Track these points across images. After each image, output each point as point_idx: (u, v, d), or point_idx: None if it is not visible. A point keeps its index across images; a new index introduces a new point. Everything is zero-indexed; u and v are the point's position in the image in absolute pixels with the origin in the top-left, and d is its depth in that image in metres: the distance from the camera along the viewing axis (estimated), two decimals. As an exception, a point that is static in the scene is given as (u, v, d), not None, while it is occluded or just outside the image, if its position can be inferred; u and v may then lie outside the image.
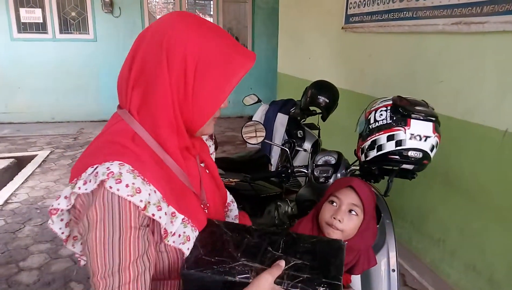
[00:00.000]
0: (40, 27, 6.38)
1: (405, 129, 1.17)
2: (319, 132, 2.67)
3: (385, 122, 1.21)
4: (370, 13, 3.12)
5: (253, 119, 2.22)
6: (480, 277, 2.19)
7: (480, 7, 2.06)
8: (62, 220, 0.77)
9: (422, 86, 2.55)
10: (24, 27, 6.30)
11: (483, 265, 2.18)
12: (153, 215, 0.71)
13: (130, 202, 0.68)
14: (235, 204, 1.10)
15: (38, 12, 6.29)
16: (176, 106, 0.76)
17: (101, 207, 0.68)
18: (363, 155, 1.30)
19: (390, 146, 1.20)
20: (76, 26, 6.55)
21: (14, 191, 3.76)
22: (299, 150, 2.63)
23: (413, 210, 2.74)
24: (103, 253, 0.68)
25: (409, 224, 2.76)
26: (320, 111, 2.42)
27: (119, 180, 0.68)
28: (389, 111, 1.22)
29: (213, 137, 1.16)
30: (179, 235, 0.78)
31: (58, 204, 0.73)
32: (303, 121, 2.70)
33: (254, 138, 1.76)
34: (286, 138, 2.70)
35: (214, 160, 1.04)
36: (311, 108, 2.47)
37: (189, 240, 0.79)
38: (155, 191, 0.73)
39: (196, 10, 7.58)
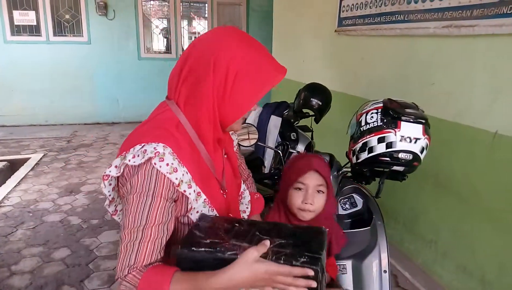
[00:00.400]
0: (34, 30, 6.35)
1: (395, 131, 1.19)
2: (312, 134, 2.68)
3: (376, 124, 1.22)
4: (362, 16, 3.14)
5: (246, 122, 2.23)
6: (472, 278, 2.21)
7: (470, 10, 2.08)
8: (110, 184, 0.93)
9: (414, 89, 2.58)
10: (17, 30, 6.27)
11: (475, 266, 2.20)
12: (184, 191, 0.89)
13: (166, 177, 0.85)
14: (247, 192, 1.25)
15: (31, 14, 6.27)
16: (215, 103, 0.90)
17: (142, 177, 0.84)
18: (355, 157, 1.31)
19: (380, 148, 1.21)
20: (70, 28, 6.53)
21: (6, 195, 3.73)
22: (292, 152, 2.63)
23: (405, 211, 2.76)
24: (135, 212, 0.84)
25: (402, 225, 2.78)
26: (313, 114, 2.44)
27: (162, 159, 0.84)
28: (379, 113, 1.23)
29: None
30: (197, 212, 0.94)
31: (110, 171, 0.89)
32: (296, 123, 2.71)
33: (247, 140, 1.77)
34: (280, 140, 2.71)
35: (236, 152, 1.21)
36: (304, 110, 2.48)
37: None
38: (187, 172, 0.89)
39: (191, 13, 7.59)
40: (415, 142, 1.19)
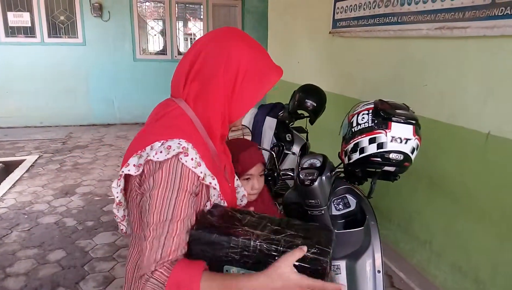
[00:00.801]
0: (29, 31, 6.34)
1: (386, 132, 1.20)
2: (307, 135, 2.69)
3: (367, 125, 1.23)
4: (356, 18, 3.16)
5: (242, 123, 2.23)
6: (466, 277, 2.23)
7: (462, 12, 2.10)
8: (119, 185, 0.94)
9: (408, 90, 2.60)
10: (12, 31, 6.26)
11: (468, 265, 2.22)
12: (210, 183, 0.91)
13: (192, 171, 0.87)
14: (242, 187, 1.28)
15: (26, 16, 6.25)
16: (225, 100, 0.94)
17: (167, 171, 0.85)
18: (347, 157, 1.32)
19: (372, 149, 1.22)
20: (65, 30, 6.52)
21: (1, 197, 3.72)
22: (287, 153, 2.64)
23: (399, 212, 2.77)
24: (161, 207, 0.84)
25: (396, 226, 2.80)
26: (308, 115, 2.45)
27: (186, 154, 0.86)
28: (370, 114, 1.24)
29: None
30: (211, 205, 0.97)
31: (128, 170, 0.88)
32: (291, 125, 2.72)
33: (241, 142, 1.77)
34: (275, 141, 2.72)
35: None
36: (299, 111, 2.50)
37: None
38: (206, 167, 0.91)
39: (187, 14, 7.60)
40: (406, 143, 1.20)
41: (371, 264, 1.52)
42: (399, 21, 2.61)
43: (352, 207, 1.58)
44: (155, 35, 7.31)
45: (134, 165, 0.88)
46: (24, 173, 4.39)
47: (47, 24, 6.37)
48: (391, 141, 1.20)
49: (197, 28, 7.72)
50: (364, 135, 1.23)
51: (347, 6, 3.31)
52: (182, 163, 0.86)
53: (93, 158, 5.02)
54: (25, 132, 6.22)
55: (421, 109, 2.36)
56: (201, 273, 0.81)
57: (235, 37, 0.97)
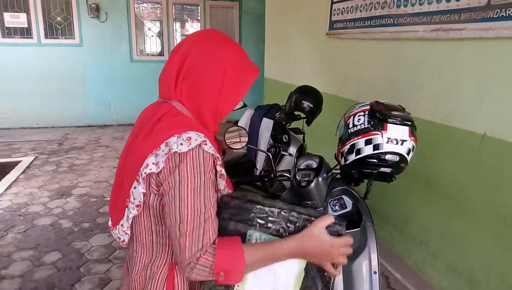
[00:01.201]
0: (25, 32, 6.32)
1: (382, 133, 1.20)
2: (304, 137, 2.69)
3: (363, 126, 1.23)
4: (353, 19, 3.17)
5: (238, 124, 2.24)
6: (461, 278, 2.24)
7: (458, 14, 2.12)
8: (143, 188, 0.93)
9: (404, 91, 2.60)
10: (8, 32, 6.24)
11: (464, 266, 2.23)
12: (221, 171, 0.96)
13: (213, 156, 0.91)
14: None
15: (23, 16, 6.23)
16: (216, 98, 0.98)
17: (192, 162, 0.88)
18: (343, 159, 1.32)
19: (368, 150, 1.22)
20: (62, 31, 6.50)
21: (-4, 198, 3.71)
22: (284, 155, 2.64)
23: (395, 213, 2.78)
24: (193, 200, 0.87)
25: (392, 227, 2.80)
26: (305, 116, 2.45)
27: (206, 142, 0.90)
28: (366, 116, 1.24)
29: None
30: (219, 191, 1.02)
31: (150, 169, 0.89)
32: (288, 126, 2.72)
33: (237, 143, 1.77)
34: (272, 142, 2.72)
35: None
36: (296, 112, 2.50)
37: None
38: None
39: (184, 15, 7.59)
40: (402, 144, 1.20)
41: (368, 265, 1.52)
42: (395, 22, 2.62)
43: (349, 208, 1.58)
44: (152, 36, 7.30)
45: (153, 164, 0.89)
46: (20, 175, 4.37)
47: (44, 25, 6.36)
48: (387, 142, 1.20)
49: (194, 29, 7.72)
50: (360, 137, 1.23)
51: (343, 8, 3.32)
52: (205, 151, 0.89)
53: (89, 159, 5.00)
54: (21, 133, 6.20)
55: (417, 110, 2.37)
56: (242, 250, 0.88)
57: (219, 39, 1.01)
